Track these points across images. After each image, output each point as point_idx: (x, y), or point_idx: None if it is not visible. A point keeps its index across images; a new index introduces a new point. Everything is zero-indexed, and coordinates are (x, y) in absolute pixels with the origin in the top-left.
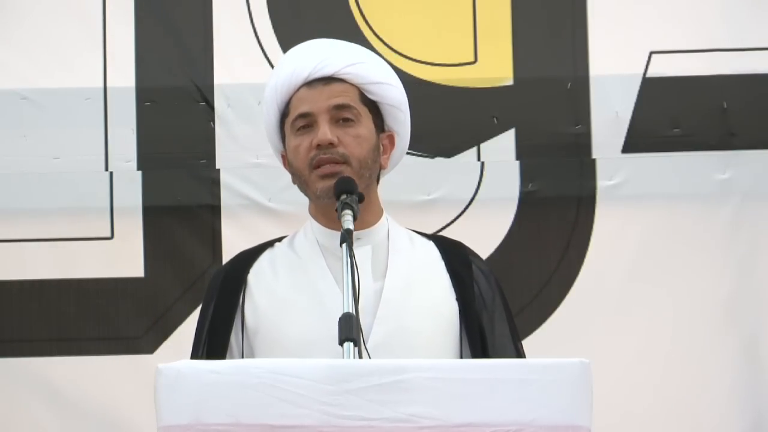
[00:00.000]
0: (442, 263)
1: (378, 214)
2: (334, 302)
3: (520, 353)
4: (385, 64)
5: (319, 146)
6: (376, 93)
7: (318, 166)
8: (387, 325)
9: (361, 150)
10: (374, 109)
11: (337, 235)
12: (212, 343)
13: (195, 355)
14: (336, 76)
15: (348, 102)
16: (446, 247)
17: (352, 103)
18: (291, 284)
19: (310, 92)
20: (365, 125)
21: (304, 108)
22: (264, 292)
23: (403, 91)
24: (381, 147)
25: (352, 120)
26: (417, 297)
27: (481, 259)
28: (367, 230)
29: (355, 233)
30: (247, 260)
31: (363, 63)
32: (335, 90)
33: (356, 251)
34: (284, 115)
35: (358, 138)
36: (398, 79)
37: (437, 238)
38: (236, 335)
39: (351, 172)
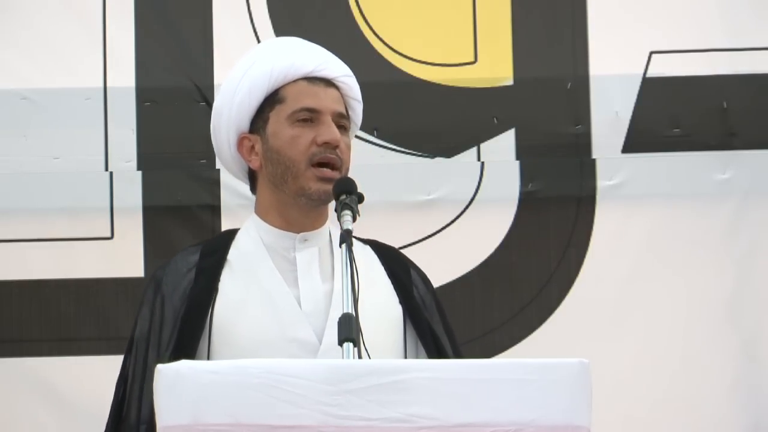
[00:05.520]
0: (382, 267)
1: (325, 218)
2: (284, 302)
3: (458, 352)
4: None
5: (326, 144)
6: (354, 109)
7: (319, 164)
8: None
9: (348, 158)
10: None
11: (286, 235)
12: (181, 347)
13: (144, 360)
14: (334, 81)
15: (345, 112)
16: (383, 252)
17: (346, 114)
18: (240, 285)
19: (314, 88)
20: (350, 137)
21: (310, 103)
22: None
23: None
24: None
25: (345, 129)
26: (365, 299)
27: (415, 264)
28: (314, 232)
29: (303, 234)
30: (187, 260)
31: (352, 77)
32: (335, 95)
33: (304, 252)
34: (271, 100)
35: (348, 148)
36: None
37: (373, 243)
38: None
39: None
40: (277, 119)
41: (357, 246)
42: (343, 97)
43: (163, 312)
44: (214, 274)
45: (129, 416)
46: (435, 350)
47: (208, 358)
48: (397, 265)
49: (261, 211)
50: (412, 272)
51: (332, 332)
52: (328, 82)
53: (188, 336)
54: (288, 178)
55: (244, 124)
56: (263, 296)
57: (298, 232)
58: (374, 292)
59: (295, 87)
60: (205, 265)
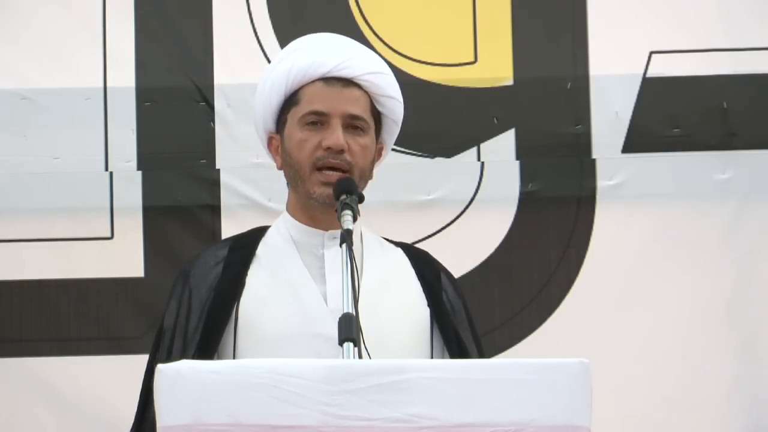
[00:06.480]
0: (412, 270)
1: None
2: (311, 299)
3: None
4: (394, 78)
5: (329, 149)
6: (385, 106)
7: (322, 168)
8: (363, 326)
9: (364, 161)
10: (378, 120)
11: (315, 232)
12: (207, 338)
13: (168, 352)
14: (354, 80)
15: (362, 113)
16: (414, 255)
17: (364, 115)
18: (267, 280)
19: (327, 90)
20: (370, 136)
21: (319, 106)
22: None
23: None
24: (374, 158)
25: (361, 130)
26: (391, 299)
27: (446, 269)
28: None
29: (331, 232)
30: (215, 254)
31: (382, 74)
32: (352, 95)
33: (332, 249)
34: (289, 101)
35: (364, 149)
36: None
37: (405, 246)
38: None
39: None
40: (291, 121)
41: (389, 247)
42: (371, 95)
43: (190, 304)
44: (242, 268)
45: (151, 409)
46: (459, 355)
47: (234, 351)
48: (427, 268)
49: (290, 209)
50: (443, 276)
51: None
52: (348, 82)
53: (214, 328)
54: (298, 180)
55: (270, 123)
56: (290, 291)
57: (326, 230)
58: (402, 293)
59: (311, 88)
60: (234, 260)
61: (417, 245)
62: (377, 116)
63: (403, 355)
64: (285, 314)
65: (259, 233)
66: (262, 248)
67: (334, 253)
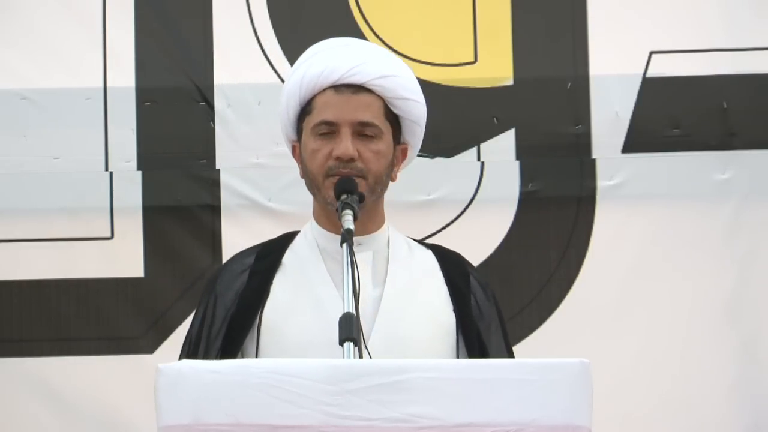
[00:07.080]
0: (440, 273)
1: (380, 223)
2: (333, 306)
3: None
4: (414, 78)
5: (339, 159)
6: (400, 108)
7: (335, 176)
8: (385, 332)
9: (378, 166)
10: (395, 122)
11: (338, 238)
12: (228, 344)
13: (195, 353)
14: (365, 86)
15: (372, 120)
16: (444, 257)
17: (376, 121)
18: (291, 287)
19: (337, 98)
20: (385, 141)
21: (328, 116)
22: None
23: (425, 104)
24: (394, 160)
25: (373, 136)
26: (415, 306)
27: (478, 271)
28: (368, 236)
29: (356, 238)
30: (242, 262)
31: (394, 77)
32: (362, 102)
33: (357, 256)
34: (304, 110)
35: (377, 154)
36: (422, 94)
37: (436, 248)
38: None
39: (365, 187)
40: (306, 131)
41: (418, 250)
42: (384, 99)
43: (214, 310)
44: (267, 276)
45: None
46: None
47: (257, 358)
48: (456, 271)
49: (315, 215)
50: (472, 280)
51: (377, 337)
52: (358, 88)
53: (236, 334)
54: (315, 189)
55: (291, 132)
56: (312, 299)
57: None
58: (427, 298)
59: (322, 97)
60: (259, 268)
61: None
62: (394, 118)
63: None
64: (307, 321)
65: (287, 240)
66: (289, 255)
67: (358, 260)
